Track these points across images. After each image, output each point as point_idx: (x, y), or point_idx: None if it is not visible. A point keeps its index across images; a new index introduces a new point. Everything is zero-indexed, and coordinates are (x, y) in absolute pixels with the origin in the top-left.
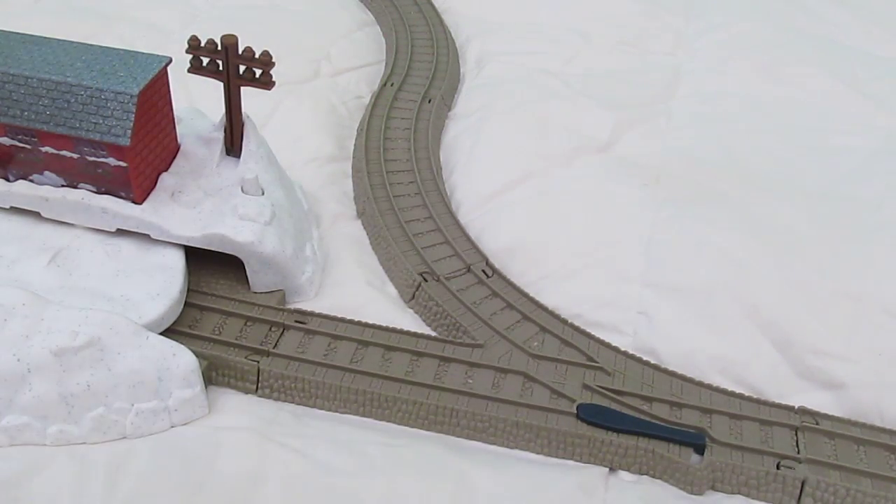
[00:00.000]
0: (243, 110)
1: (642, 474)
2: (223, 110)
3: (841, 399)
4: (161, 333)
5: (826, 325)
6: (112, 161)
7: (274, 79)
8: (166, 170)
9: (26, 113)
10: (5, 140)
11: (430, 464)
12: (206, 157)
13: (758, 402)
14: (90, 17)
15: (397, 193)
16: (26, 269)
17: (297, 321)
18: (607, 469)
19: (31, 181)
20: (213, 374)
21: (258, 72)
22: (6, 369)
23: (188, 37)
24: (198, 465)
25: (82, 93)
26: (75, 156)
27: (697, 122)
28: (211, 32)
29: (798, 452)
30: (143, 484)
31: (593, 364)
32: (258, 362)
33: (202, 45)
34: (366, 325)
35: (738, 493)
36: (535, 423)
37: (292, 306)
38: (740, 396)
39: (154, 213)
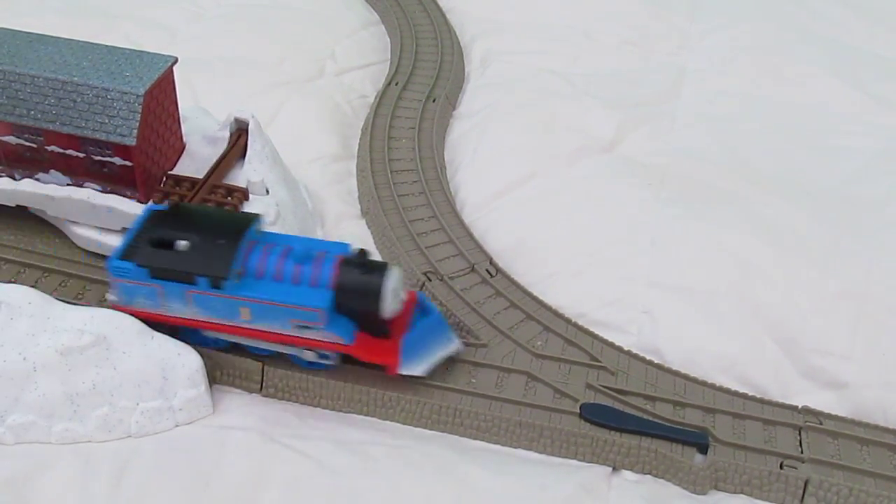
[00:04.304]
0: (248, 110)
1: (645, 474)
2: (229, 109)
3: (844, 399)
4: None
5: (830, 324)
6: (118, 160)
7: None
8: (172, 169)
9: (32, 112)
10: (11, 139)
11: (433, 464)
12: (211, 157)
13: (761, 401)
14: (96, 15)
15: (401, 193)
16: None
17: None
18: (610, 469)
19: (37, 180)
20: (218, 374)
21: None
22: (12, 368)
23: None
24: (202, 465)
25: (88, 92)
26: (81, 155)
27: (702, 122)
28: (216, 31)
29: (801, 452)
30: (148, 482)
31: (597, 363)
32: (262, 362)
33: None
34: None
35: (742, 492)
36: (539, 422)
37: None
38: (744, 396)
39: None
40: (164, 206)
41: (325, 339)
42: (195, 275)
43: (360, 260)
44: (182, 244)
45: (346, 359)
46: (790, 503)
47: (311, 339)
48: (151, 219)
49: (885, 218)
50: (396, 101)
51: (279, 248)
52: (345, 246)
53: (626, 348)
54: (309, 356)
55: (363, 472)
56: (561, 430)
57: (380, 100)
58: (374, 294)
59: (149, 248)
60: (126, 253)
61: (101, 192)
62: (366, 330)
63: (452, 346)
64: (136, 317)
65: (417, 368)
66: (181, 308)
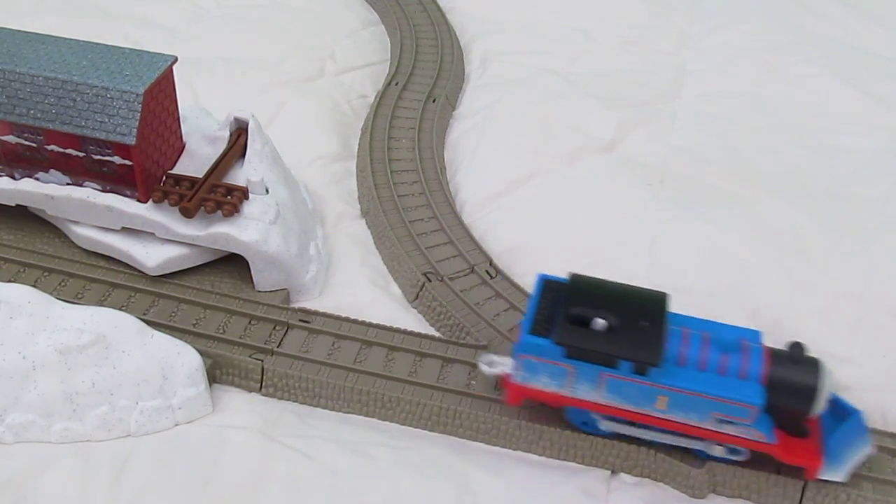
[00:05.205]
0: (248, 110)
1: (644, 477)
2: (229, 109)
3: None
4: (165, 332)
5: (830, 326)
6: (117, 160)
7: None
8: (171, 168)
9: (32, 111)
10: (11, 138)
11: (432, 465)
12: (211, 156)
13: None
14: (96, 15)
15: (401, 193)
16: None
17: (301, 320)
18: (609, 472)
19: (37, 179)
20: (217, 373)
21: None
22: (11, 367)
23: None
24: (201, 464)
25: (88, 91)
26: (81, 154)
27: (702, 122)
28: (216, 31)
29: None
30: (148, 482)
31: None
32: (262, 361)
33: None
34: (369, 324)
35: (740, 496)
36: (538, 424)
37: (296, 305)
38: None
39: (159, 211)
40: (561, 277)
41: (747, 437)
42: (621, 358)
43: (792, 354)
44: (600, 323)
45: (753, 455)
46: None
47: (730, 435)
48: (549, 292)
49: (885, 218)
50: (396, 101)
51: (697, 333)
52: (756, 333)
53: None
54: (718, 451)
55: (363, 472)
56: (561, 432)
57: (380, 100)
58: (810, 393)
59: (567, 325)
60: (537, 328)
61: (101, 191)
62: (782, 427)
63: (869, 448)
64: (537, 399)
65: (839, 473)
66: (588, 391)
